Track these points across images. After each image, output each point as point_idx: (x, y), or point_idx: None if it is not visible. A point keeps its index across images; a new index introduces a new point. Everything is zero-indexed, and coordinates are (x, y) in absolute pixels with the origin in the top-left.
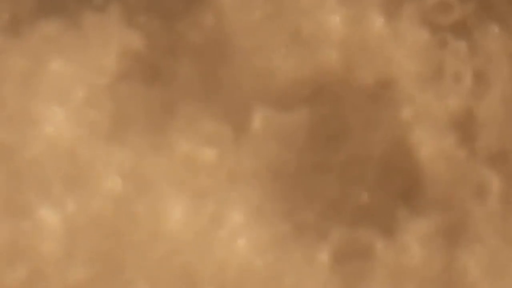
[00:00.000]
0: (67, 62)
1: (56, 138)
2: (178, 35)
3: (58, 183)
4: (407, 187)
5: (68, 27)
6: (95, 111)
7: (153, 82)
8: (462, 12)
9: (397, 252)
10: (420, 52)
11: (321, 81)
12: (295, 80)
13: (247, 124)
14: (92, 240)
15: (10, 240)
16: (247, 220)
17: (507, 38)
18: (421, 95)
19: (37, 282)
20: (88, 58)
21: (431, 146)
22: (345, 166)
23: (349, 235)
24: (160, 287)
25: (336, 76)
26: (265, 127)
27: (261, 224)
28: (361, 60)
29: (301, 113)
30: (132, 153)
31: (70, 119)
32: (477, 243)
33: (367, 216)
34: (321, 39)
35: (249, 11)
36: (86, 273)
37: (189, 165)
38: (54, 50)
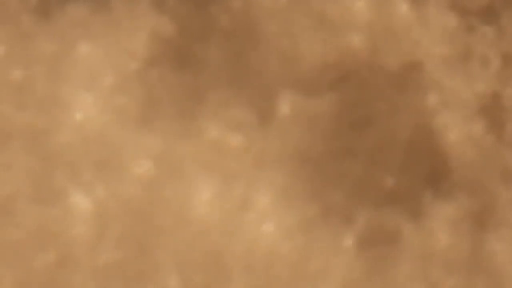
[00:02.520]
0: (96, 46)
1: (86, 123)
2: (208, 20)
3: (88, 167)
4: (434, 172)
5: (97, 11)
6: (124, 96)
7: (183, 67)
8: None
9: (424, 236)
10: (447, 36)
11: (347, 65)
12: (321, 65)
13: (274, 109)
14: (121, 224)
15: (41, 224)
16: (274, 204)
17: None
18: (448, 79)
19: (67, 265)
20: (117, 43)
21: (458, 131)
22: (371, 150)
23: (375, 219)
24: (188, 270)
25: (362, 60)
26: (292, 112)
27: (288, 208)
28: (387, 44)
29: (328, 97)
30: (161, 138)
31: (99, 104)
32: (505, 227)
33: (393, 200)
34: (347, 23)
35: None
36: (115, 256)
37: (217, 150)
38: (83, 34)
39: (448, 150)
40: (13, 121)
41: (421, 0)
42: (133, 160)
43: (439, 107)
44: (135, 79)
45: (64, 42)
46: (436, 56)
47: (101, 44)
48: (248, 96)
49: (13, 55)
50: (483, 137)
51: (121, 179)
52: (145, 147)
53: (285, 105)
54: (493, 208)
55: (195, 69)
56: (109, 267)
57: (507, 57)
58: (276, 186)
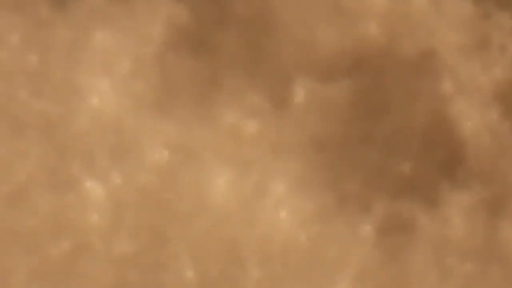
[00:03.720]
0: (113, 33)
1: (102, 110)
2: (224, 7)
3: (103, 155)
4: (450, 159)
5: None
6: (141, 83)
7: (199, 54)
8: None
9: (440, 225)
10: (463, 24)
11: (363, 53)
12: (337, 52)
13: (290, 96)
14: (137, 213)
15: (56, 213)
16: (290, 192)
17: None
18: (464, 67)
19: (82, 255)
20: (134, 29)
21: (474, 118)
22: (387, 138)
23: (392, 207)
24: (204, 259)
25: (378, 47)
26: (308, 99)
27: (304, 196)
28: (403, 31)
29: (343, 85)
30: (177, 125)
31: (115, 91)
32: None
33: (410, 189)
34: (363, 10)
35: None
36: (131, 245)
37: (233, 137)
38: (100, 21)
39: (465, 137)
40: (29, 108)
41: None
42: (149, 147)
43: (455, 94)
44: (151, 66)
45: (81, 29)
46: (452, 43)
47: (117, 31)
48: (264, 82)
49: (29, 42)
50: (500, 124)
51: (137, 167)
52: (161, 134)
53: (301, 92)
54: (509, 196)
55: (211, 55)
56: (125, 256)
57: None
58: (292, 173)
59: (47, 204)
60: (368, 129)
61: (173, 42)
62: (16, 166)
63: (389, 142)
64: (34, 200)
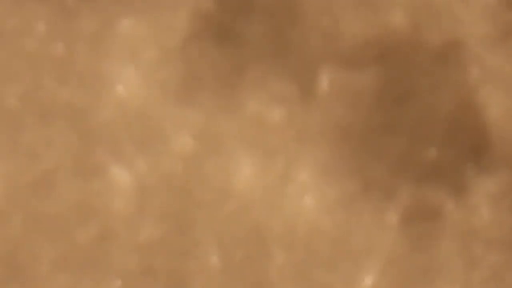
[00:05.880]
0: (138, 22)
1: (127, 98)
2: None
3: (129, 143)
4: (475, 147)
5: None
6: (166, 72)
7: (223, 42)
8: None
9: (466, 212)
10: (488, 13)
11: (388, 42)
12: (362, 41)
13: (315, 84)
14: (162, 199)
15: (82, 200)
16: (315, 179)
17: None
18: (490, 56)
19: (108, 241)
20: (159, 18)
21: (499, 106)
22: (413, 126)
23: (417, 195)
24: (229, 245)
25: (404, 37)
26: (333, 87)
27: (329, 183)
28: (429, 21)
29: (369, 73)
30: (202, 113)
31: (141, 80)
32: None
33: (435, 176)
34: (388, 0)
35: None
36: (156, 231)
37: (258, 125)
38: (125, 10)
39: (490, 126)
40: (55, 96)
41: None
42: (174, 135)
43: (480, 82)
44: (176, 55)
45: (106, 18)
46: (477, 33)
47: (142, 19)
48: (289, 71)
49: (55, 31)
50: None
51: (162, 154)
52: (186, 122)
53: (326, 80)
54: None
55: (236, 44)
56: (150, 242)
57: None
58: (317, 161)
59: (73, 191)
60: (393, 117)
61: (198, 30)
62: (42, 154)
63: (415, 130)
64: (60, 187)
